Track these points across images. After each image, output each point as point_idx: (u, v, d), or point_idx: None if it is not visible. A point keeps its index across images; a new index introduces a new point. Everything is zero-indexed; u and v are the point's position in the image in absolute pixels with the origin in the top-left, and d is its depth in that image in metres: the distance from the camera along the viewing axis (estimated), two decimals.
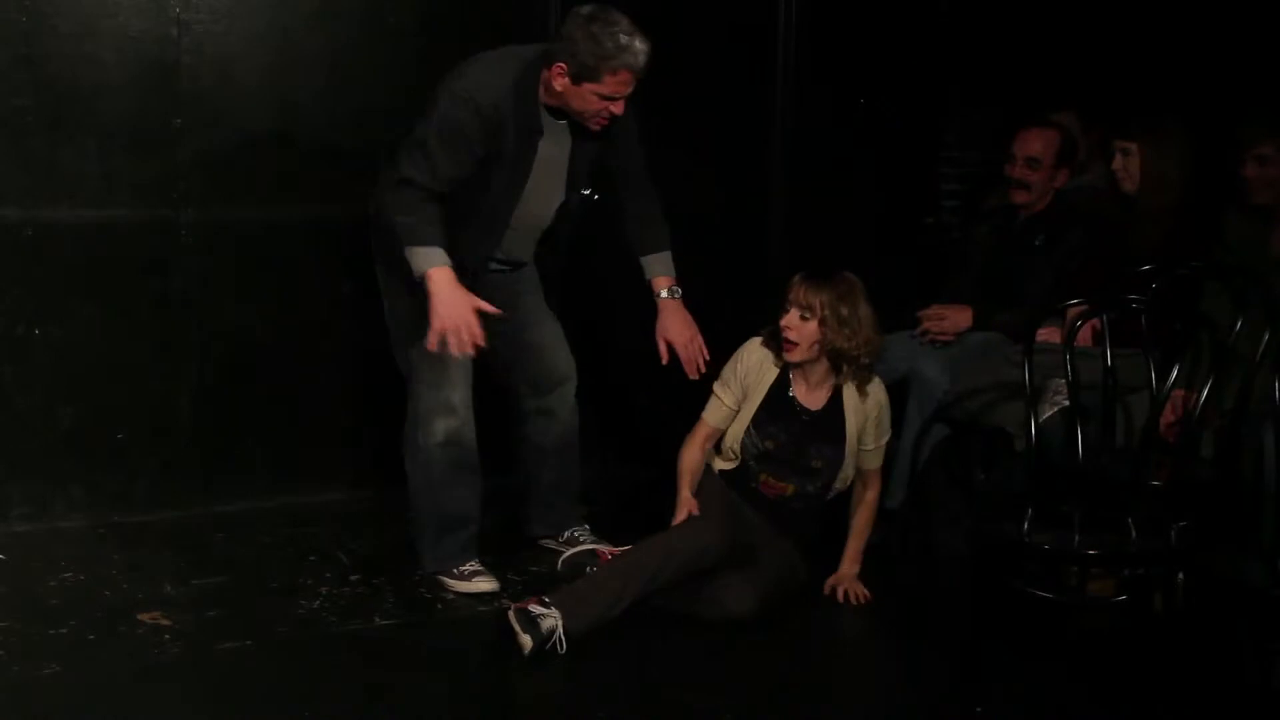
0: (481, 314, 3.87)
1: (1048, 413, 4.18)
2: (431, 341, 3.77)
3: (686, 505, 4.16)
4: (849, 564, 4.30)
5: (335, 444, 5.02)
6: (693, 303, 4.19)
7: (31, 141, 4.41)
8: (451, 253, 3.85)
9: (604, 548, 4.28)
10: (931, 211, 6.21)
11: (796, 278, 4.14)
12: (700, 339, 4.15)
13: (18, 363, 4.48)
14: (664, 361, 4.11)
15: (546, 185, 4.03)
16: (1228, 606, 4.05)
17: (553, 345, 4.28)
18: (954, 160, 6.23)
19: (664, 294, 4.13)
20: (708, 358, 4.17)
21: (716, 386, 4.27)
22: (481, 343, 3.78)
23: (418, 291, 3.88)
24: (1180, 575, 3.90)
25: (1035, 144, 4.90)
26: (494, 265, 4.17)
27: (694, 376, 4.15)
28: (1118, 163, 4.53)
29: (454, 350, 3.77)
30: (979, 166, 6.02)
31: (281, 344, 4.87)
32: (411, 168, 3.83)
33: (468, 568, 4.19)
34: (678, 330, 4.11)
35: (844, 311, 4.07)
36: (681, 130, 4.13)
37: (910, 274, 5.50)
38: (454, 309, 3.75)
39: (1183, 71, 5.39)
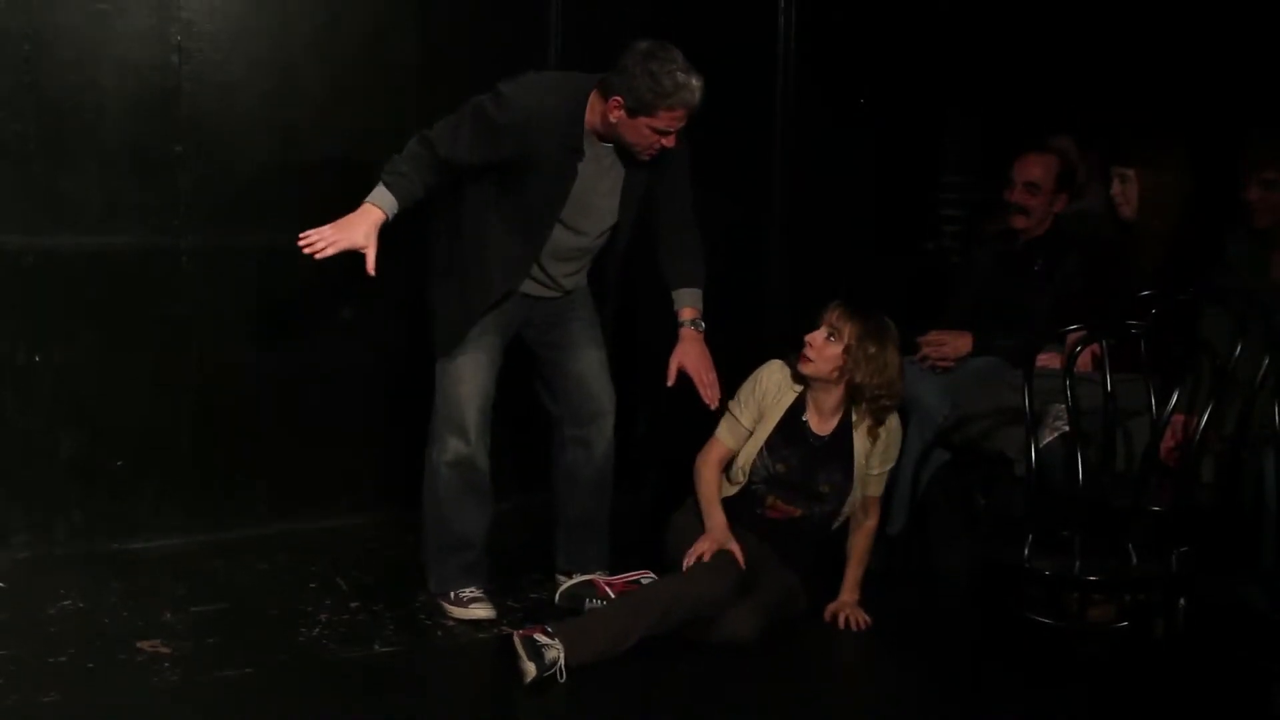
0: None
1: (1048, 438, 4.17)
2: (310, 233, 3.83)
3: (719, 535, 4.11)
4: (849, 591, 4.30)
5: (335, 471, 5.02)
6: None
7: (33, 168, 4.42)
8: (489, 265, 4.01)
9: (602, 578, 4.26)
10: (931, 237, 6.22)
11: (835, 301, 4.17)
12: (715, 376, 4.15)
13: (19, 389, 4.48)
14: (670, 383, 4.12)
15: (593, 207, 4.05)
16: (1229, 632, 4.05)
17: (594, 376, 4.26)
18: (953, 185, 6.24)
19: (688, 324, 4.16)
20: (719, 395, 4.18)
21: (732, 406, 4.28)
22: (319, 255, 3.81)
23: (449, 312, 4.07)
24: (1181, 600, 3.89)
25: (1035, 169, 4.91)
26: (543, 291, 4.18)
27: (713, 405, 4.17)
28: (1116, 188, 4.54)
29: (309, 246, 3.81)
30: (978, 192, 6.03)
31: (282, 370, 4.87)
32: (438, 130, 3.94)
33: (467, 594, 4.19)
34: (694, 359, 4.13)
35: (871, 348, 4.09)
36: None
37: (910, 299, 5.51)
38: (351, 229, 3.84)
39: (1185, 94, 5.39)
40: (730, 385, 4.33)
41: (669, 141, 3.91)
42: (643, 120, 3.85)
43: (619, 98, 3.84)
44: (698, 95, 3.84)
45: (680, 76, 3.81)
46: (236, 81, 4.67)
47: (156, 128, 4.58)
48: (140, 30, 4.51)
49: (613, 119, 3.88)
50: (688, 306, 4.17)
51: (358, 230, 3.83)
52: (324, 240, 3.81)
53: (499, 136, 3.89)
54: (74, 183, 4.48)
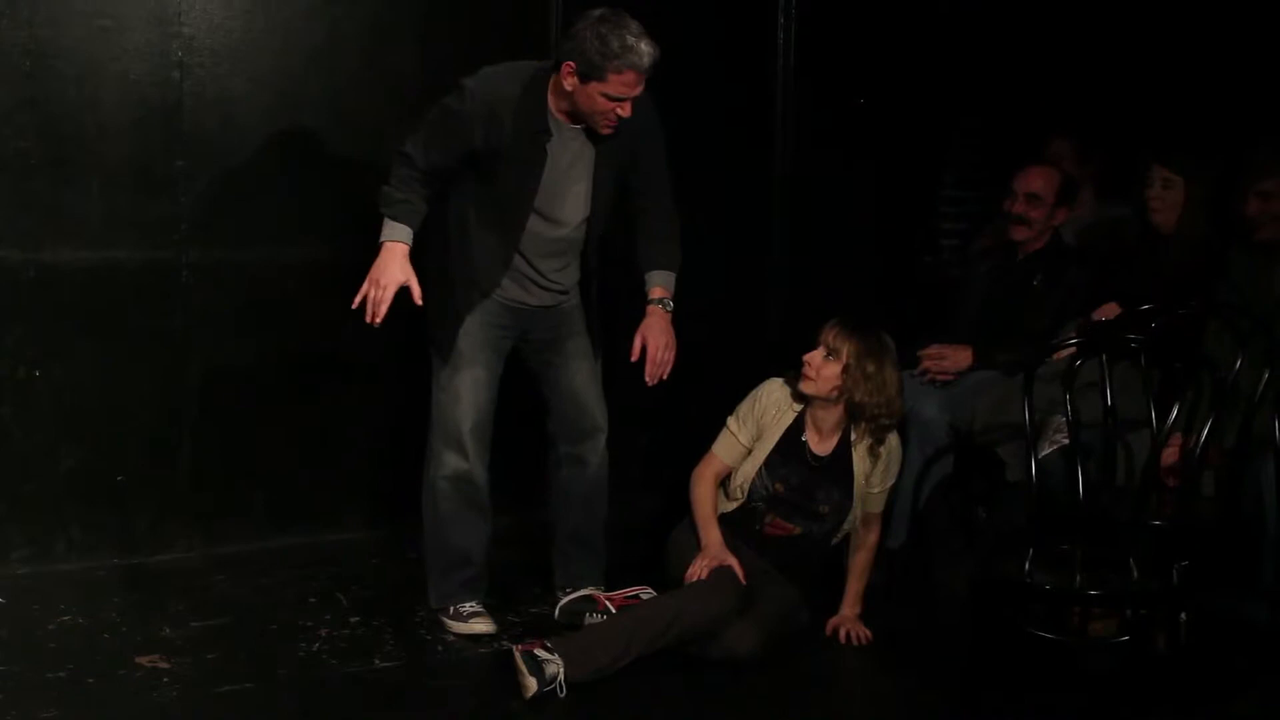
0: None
1: (1047, 450, 4.17)
2: (358, 298, 3.87)
3: (715, 551, 4.11)
4: (850, 606, 4.29)
5: (335, 486, 5.02)
6: (691, 341, 4.17)
7: (34, 183, 4.43)
8: (473, 260, 4.02)
9: (602, 593, 4.26)
10: (930, 250, 6.22)
11: (832, 320, 4.16)
12: (672, 356, 4.08)
13: (19, 404, 4.48)
14: (633, 358, 4.06)
15: (567, 193, 4.04)
16: (1230, 646, 4.04)
17: (588, 393, 4.25)
18: (953, 199, 6.24)
19: (655, 302, 4.11)
20: (666, 375, 4.08)
21: (730, 422, 4.27)
22: (379, 319, 3.86)
23: (445, 328, 4.07)
24: (1183, 615, 3.89)
25: (1036, 181, 4.92)
26: (541, 296, 4.16)
27: (651, 383, 4.07)
28: (1155, 191, 4.51)
29: (369, 313, 3.85)
30: (977, 205, 6.04)
31: (282, 385, 4.87)
32: (410, 144, 3.96)
33: (467, 608, 4.19)
34: (656, 335, 4.07)
35: (870, 367, 4.08)
36: (679, 179, 4.14)
37: (909, 313, 5.51)
38: (387, 272, 3.87)
39: (1186, 107, 5.39)
40: (733, 403, 4.33)
41: (625, 110, 3.87)
42: (594, 85, 3.82)
43: (571, 63, 3.83)
44: (646, 59, 3.80)
45: (629, 39, 3.78)
46: (238, 96, 4.68)
47: (158, 142, 4.59)
48: (141, 46, 4.52)
49: (567, 86, 3.86)
50: (658, 286, 4.13)
51: (394, 269, 3.87)
52: (373, 299, 3.84)
53: (467, 126, 3.89)
54: (75, 197, 4.49)
